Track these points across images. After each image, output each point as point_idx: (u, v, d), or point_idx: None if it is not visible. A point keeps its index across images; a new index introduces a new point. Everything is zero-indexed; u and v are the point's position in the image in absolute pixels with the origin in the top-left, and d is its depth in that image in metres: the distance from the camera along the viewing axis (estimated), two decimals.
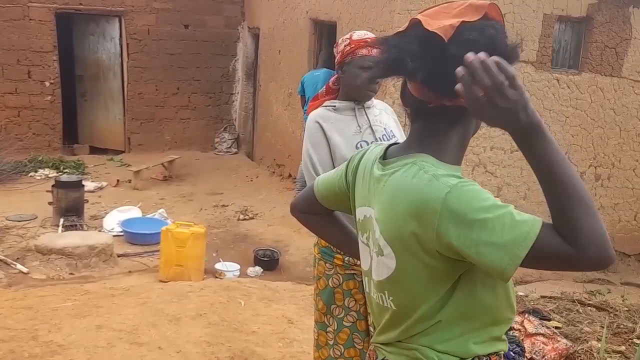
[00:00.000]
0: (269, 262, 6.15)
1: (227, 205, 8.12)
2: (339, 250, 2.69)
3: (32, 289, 4.82)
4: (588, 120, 7.17)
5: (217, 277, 5.77)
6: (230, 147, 10.87)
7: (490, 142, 6.82)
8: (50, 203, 6.98)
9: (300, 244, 6.74)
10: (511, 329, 3.30)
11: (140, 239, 6.54)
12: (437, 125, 1.38)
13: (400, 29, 1.38)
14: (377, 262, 1.40)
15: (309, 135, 2.72)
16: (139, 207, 7.44)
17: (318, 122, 2.71)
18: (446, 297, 1.33)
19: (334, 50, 2.83)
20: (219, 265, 5.88)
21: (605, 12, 6.98)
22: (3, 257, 5.73)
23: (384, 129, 2.77)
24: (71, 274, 5.58)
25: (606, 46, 7.07)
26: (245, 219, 7.61)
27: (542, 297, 4.49)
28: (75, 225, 6.77)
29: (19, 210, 7.40)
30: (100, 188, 8.51)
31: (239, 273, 5.86)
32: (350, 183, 1.58)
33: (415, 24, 1.34)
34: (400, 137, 2.80)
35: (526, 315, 3.76)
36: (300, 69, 8.37)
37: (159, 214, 7.26)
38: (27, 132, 9.89)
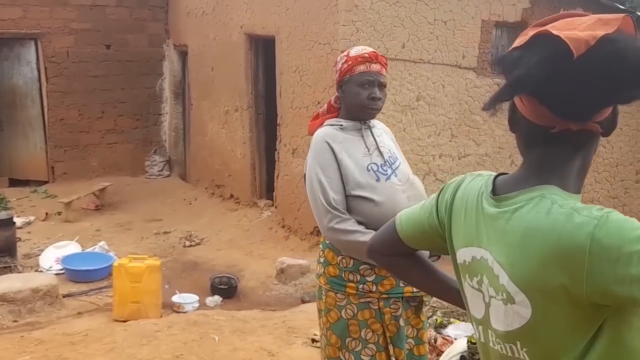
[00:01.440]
0: (227, 289, 5.87)
1: (170, 232, 7.75)
2: (350, 278, 2.53)
3: None
4: None
5: (175, 311, 5.44)
6: (162, 170, 10.44)
7: (439, 149, 6.83)
8: None
9: (255, 268, 6.49)
10: None
11: (83, 276, 6.10)
12: (559, 152, 1.22)
13: (519, 43, 1.21)
14: (504, 311, 1.22)
15: (317, 156, 2.53)
16: (76, 242, 6.95)
17: (327, 142, 2.53)
18: (589, 344, 1.17)
19: (334, 68, 2.66)
20: (175, 298, 5.54)
21: (538, 16, 7.11)
22: None
23: (389, 150, 2.64)
24: (15, 321, 5.08)
25: None
26: (191, 245, 7.27)
27: None
28: (9, 266, 6.22)
29: None
30: (29, 223, 7.92)
31: (198, 304, 5.54)
32: (443, 221, 1.39)
33: (540, 36, 1.17)
34: (401, 158, 2.69)
35: None
36: (237, 86, 8.14)
37: (100, 247, 6.81)
38: None
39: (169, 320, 4.56)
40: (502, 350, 1.26)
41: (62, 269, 6.26)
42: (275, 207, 7.62)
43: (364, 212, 2.48)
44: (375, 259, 1.64)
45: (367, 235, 2.41)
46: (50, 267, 6.36)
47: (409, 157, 6.52)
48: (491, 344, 1.29)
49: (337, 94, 2.65)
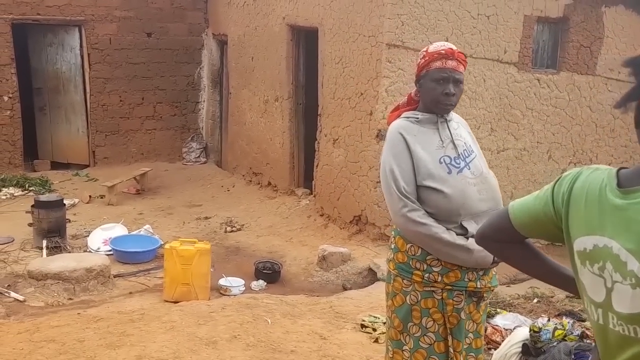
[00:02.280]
0: (271, 274, 6.03)
1: (210, 218, 7.93)
2: (417, 266, 2.65)
3: (38, 318, 4.55)
4: (567, 118, 7.36)
5: (222, 294, 5.62)
6: (198, 156, 10.64)
7: (478, 143, 6.89)
8: (30, 224, 6.64)
9: (296, 254, 6.64)
10: (586, 336, 3.32)
11: (131, 257, 6.30)
12: None
13: None
14: (632, 294, 1.34)
15: (391, 146, 2.65)
16: (122, 224, 7.16)
17: (401, 134, 2.65)
18: None
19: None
20: (222, 281, 5.72)
21: (580, 12, 7.18)
22: None
23: (464, 143, 2.73)
24: (70, 299, 5.32)
25: (581, 45, 7.27)
26: (232, 231, 7.44)
27: (568, 296, 4.55)
28: (60, 246, 6.46)
29: None
30: (73, 205, 8.15)
31: (244, 288, 5.71)
32: (560, 211, 1.51)
33: None
34: (477, 152, 2.77)
35: (563, 318, 3.79)
36: (278, 76, 8.28)
37: (145, 230, 7.02)
38: None
39: (221, 302, 4.73)
40: (623, 332, 1.37)
41: (110, 250, 6.47)
42: (314, 196, 7.76)
43: (434, 203, 2.59)
44: (485, 245, 1.76)
45: (435, 229, 2.55)
46: (99, 248, 6.58)
47: None
48: (611, 326, 1.40)
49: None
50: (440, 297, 2.63)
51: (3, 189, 8.75)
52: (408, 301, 2.68)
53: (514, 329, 3.74)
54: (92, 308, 5.01)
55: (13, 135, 9.53)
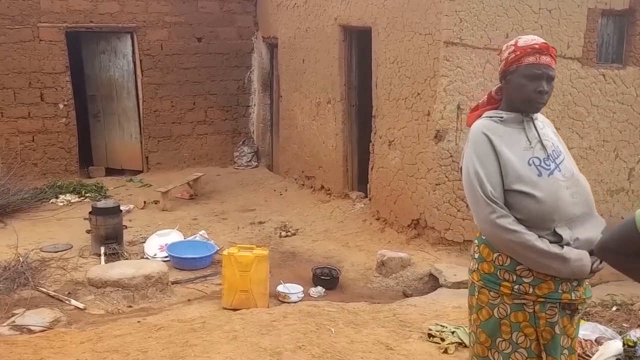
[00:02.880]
0: (329, 280, 5.90)
1: (264, 222, 7.85)
2: (506, 277, 2.47)
3: (100, 327, 4.53)
4: (635, 115, 7.02)
5: (281, 301, 5.51)
6: (250, 160, 10.61)
7: None
8: (88, 231, 6.68)
9: (354, 260, 6.50)
10: None
11: (188, 264, 6.26)
12: None
13: None
14: None
15: (475, 148, 2.47)
16: (177, 230, 7.14)
17: (485, 134, 2.47)
18: None
19: (498, 57, 2.60)
20: (281, 288, 5.61)
21: None
22: (54, 294, 5.42)
23: (552, 143, 2.54)
24: (129, 306, 5.29)
25: None
26: (287, 236, 7.34)
27: None
28: (117, 253, 6.47)
29: (50, 240, 7.08)
30: (129, 211, 8.18)
31: (302, 295, 5.60)
32: None
33: None
34: (565, 153, 2.58)
35: None
36: (330, 77, 8.16)
37: (200, 236, 6.98)
38: (43, 157, 9.55)
39: (282, 311, 4.62)
40: None
41: (166, 257, 6.44)
42: (369, 200, 7.60)
43: (524, 209, 2.41)
44: (606, 257, 1.60)
45: (528, 237, 2.37)
46: (155, 255, 6.56)
47: None
48: None
49: (499, 84, 2.59)
50: (532, 310, 2.44)
51: (60, 195, 8.86)
52: (496, 315, 2.51)
53: (595, 340, 3.52)
54: (152, 316, 4.97)
55: (69, 142, 9.66)
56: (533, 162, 2.46)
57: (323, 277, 5.94)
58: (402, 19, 6.62)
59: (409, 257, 6.11)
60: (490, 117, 2.55)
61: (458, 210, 6.40)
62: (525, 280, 2.43)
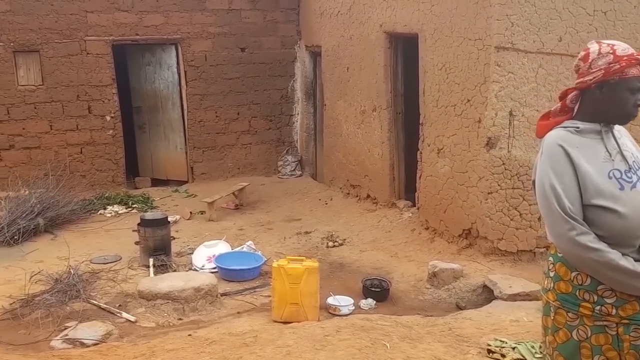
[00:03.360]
0: (380, 292, 5.78)
1: (310, 232, 7.77)
2: (586, 297, 2.32)
3: (152, 341, 4.51)
4: None
5: (331, 314, 5.42)
6: (294, 169, 10.56)
7: None
8: (137, 243, 6.70)
9: (404, 271, 6.36)
10: None
11: (237, 275, 6.22)
12: None
13: None
14: None
15: (552, 161, 2.34)
16: (225, 241, 7.12)
17: (562, 146, 2.34)
18: None
19: (578, 60, 2.44)
20: (331, 300, 5.52)
21: None
22: (106, 306, 5.44)
23: (632, 154, 2.40)
24: (179, 319, 5.27)
25: None
26: (334, 246, 7.25)
27: None
28: (166, 264, 6.47)
29: (99, 252, 7.14)
30: (175, 222, 8.19)
31: (353, 307, 5.50)
32: None
33: None
34: None
35: None
36: (375, 85, 8.05)
37: (247, 247, 6.94)
38: (91, 169, 9.68)
39: (335, 324, 4.52)
40: None
41: (214, 268, 6.42)
42: (417, 209, 7.46)
43: (606, 225, 2.27)
44: None
45: (611, 255, 2.24)
46: (203, 266, 6.54)
47: None
48: None
49: (574, 92, 2.45)
50: (615, 333, 2.29)
51: (108, 206, 8.96)
52: (575, 337, 2.37)
53: None
54: (202, 329, 4.94)
55: (116, 153, 9.77)
56: (614, 175, 2.32)
57: (373, 289, 5.82)
58: (450, 25, 6.48)
59: (461, 268, 5.95)
60: (565, 127, 2.42)
61: (511, 220, 6.22)
62: (608, 300, 2.30)
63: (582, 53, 2.44)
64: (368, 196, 8.53)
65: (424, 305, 5.71)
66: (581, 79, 2.40)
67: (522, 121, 6.08)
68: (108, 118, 9.63)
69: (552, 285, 2.43)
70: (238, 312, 5.44)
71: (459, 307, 5.59)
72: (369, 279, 5.96)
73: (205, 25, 9.85)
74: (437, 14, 6.68)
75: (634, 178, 2.34)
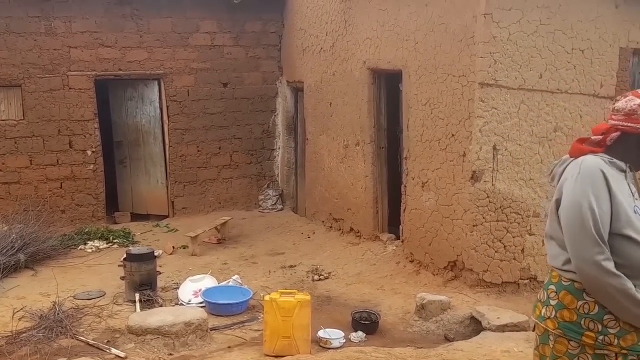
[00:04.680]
0: (369, 325, 5.80)
1: (295, 266, 7.79)
2: (590, 327, 2.41)
3: None
4: None
5: (322, 347, 5.42)
6: (275, 203, 10.59)
7: None
8: (122, 278, 6.64)
9: (391, 303, 6.41)
10: None
11: (225, 309, 6.19)
12: None
13: None
14: None
15: (593, 184, 2.41)
16: (210, 275, 7.08)
17: (603, 172, 2.43)
18: None
19: (635, 106, 2.52)
20: (321, 333, 5.52)
21: None
22: (94, 342, 5.36)
23: None
24: (170, 354, 5.21)
25: None
26: (320, 279, 7.27)
27: None
28: (152, 299, 6.41)
29: (82, 287, 7.05)
30: (158, 257, 8.12)
31: (344, 340, 5.50)
32: None
33: None
34: None
35: None
36: (359, 120, 8.18)
37: (234, 281, 6.91)
38: (71, 204, 9.59)
39: (329, 357, 4.55)
40: None
41: (201, 302, 6.37)
42: (402, 241, 7.54)
43: (627, 255, 2.38)
44: None
45: (629, 284, 2.34)
46: (190, 301, 6.49)
47: (546, 190, 6.35)
48: None
49: (616, 133, 2.54)
50: None
51: (88, 242, 8.85)
52: None
53: None
54: None
55: (96, 188, 9.70)
56: (637, 210, 2.46)
57: (363, 322, 5.84)
58: (434, 62, 6.66)
59: (448, 299, 6.01)
60: (601, 157, 2.52)
61: (496, 252, 6.33)
62: (611, 331, 2.39)
63: (638, 101, 2.52)
64: (351, 229, 8.59)
65: (413, 337, 5.74)
66: (633, 124, 2.50)
67: (506, 155, 6.24)
68: (89, 152, 9.58)
69: (553, 313, 2.50)
70: (229, 347, 5.41)
71: (447, 339, 5.63)
72: (357, 312, 5.98)
73: (188, 61, 9.93)
74: (421, 51, 6.86)
75: None
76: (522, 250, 6.42)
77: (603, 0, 6.39)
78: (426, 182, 6.93)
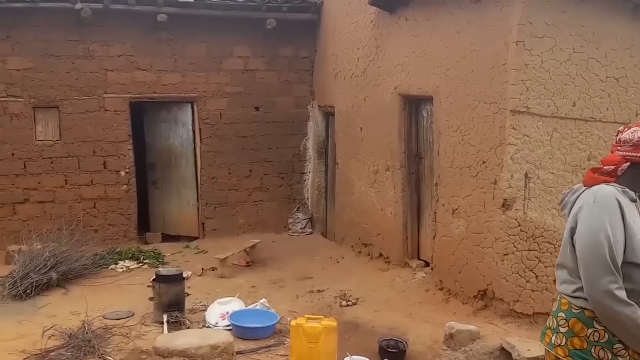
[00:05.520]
0: (397, 354, 5.72)
1: (323, 291, 7.74)
2: (600, 355, 2.46)
3: None
4: None
5: None
6: (304, 227, 10.60)
7: None
8: (151, 298, 6.68)
9: (420, 332, 6.31)
10: None
11: (252, 333, 6.17)
12: None
13: None
14: None
15: (609, 213, 2.46)
16: (238, 298, 7.08)
17: (619, 202, 2.48)
18: None
19: (626, 135, 2.65)
20: None
21: None
22: None
23: None
24: None
25: None
26: (348, 305, 7.21)
27: None
28: (179, 321, 6.43)
29: (111, 307, 7.09)
30: (187, 278, 8.16)
31: None
32: None
33: None
34: None
35: None
36: (389, 146, 8.17)
37: (261, 304, 6.90)
38: (103, 223, 9.73)
39: None
40: None
41: (228, 325, 6.37)
42: (431, 269, 7.46)
43: (636, 282, 2.43)
44: None
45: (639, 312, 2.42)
46: (217, 323, 6.49)
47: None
48: None
49: (626, 163, 2.63)
50: None
51: (119, 261, 8.95)
52: None
53: None
54: None
55: (128, 209, 9.83)
56: None
57: (390, 350, 5.76)
58: (465, 88, 6.64)
59: (477, 329, 5.90)
60: (614, 186, 2.58)
61: (527, 282, 6.22)
62: (620, 359, 2.45)
63: None
64: (380, 255, 8.53)
65: None
66: None
67: (538, 183, 6.16)
68: (122, 173, 9.74)
69: (564, 341, 2.55)
70: None
71: None
72: (385, 340, 5.91)
73: (221, 85, 10.07)
74: (452, 78, 6.84)
75: None
76: (555, 281, 6.28)
77: (638, 28, 6.31)
78: (456, 209, 6.86)
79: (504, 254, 6.18)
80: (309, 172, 10.79)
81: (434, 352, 5.90)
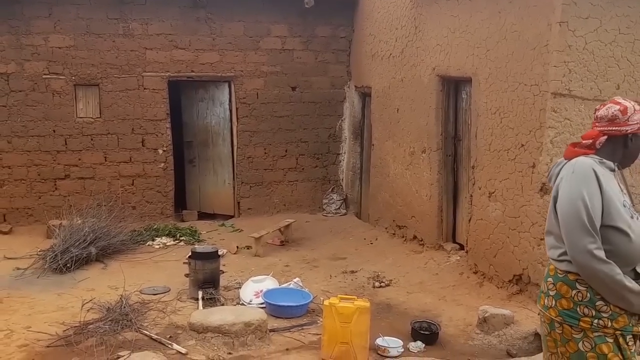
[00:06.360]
0: (429, 335, 5.71)
1: (356, 272, 7.76)
2: (585, 312, 2.73)
3: None
4: None
5: (380, 355, 5.38)
6: (338, 208, 10.61)
7: None
8: (186, 275, 6.78)
9: (452, 314, 6.29)
10: None
11: (285, 311, 6.22)
12: None
13: None
14: None
15: (585, 181, 2.70)
16: (272, 277, 7.15)
17: (595, 172, 2.71)
18: None
19: (616, 112, 2.83)
20: (380, 341, 5.48)
21: None
22: (157, 337, 5.50)
23: (630, 192, 2.93)
24: (229, 353, 5.28)
25: None
26: (381, 287, 7.21)
27: None
28: (214, 298, 6.52)
29: (148, 282, 7.23)
30: (222, 256, 8.26)
31: (402, 349, 5.44)
32: None
33: None
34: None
35: None
36: (425, 127, 8.10)
37: (295, 283, 6.95)
38: (141, 200, 9.88)
39: None
40: None
41: (262, 303, 6.44)
42: (466, 252, 7.40)
43: (616, 245, 2.68)
44: None
45: (618, 270, 2.67)
46: (251, 301, 6.56)
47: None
48: None
49: (604, 137, 2.83)
50: (612, 341, 2.68)
51: (156, 238, 9.10)
52: (582, 348, 2.74)
53: None
54: None
55: (165, 186, 9.97)
56: (626, 204, 2.77)
57: (422, 332, 5.75)
58: (505, 70, 6.52)
59: (511, 314, 5.85)
60: (592, 158, 2.80)
61: None
62: (604, 315, 2.71)
63: (617, 107, 2.83)
64: (414, 237, 8.50)
65: (474, 350, 5.61)
66: (617, 128, 2.81)
67: None
68: (160, 151, 9.86)
69: (553, 302, 2.81)
70: (287, 349, 5.44)
71: (510, 354, 5.48)
72: (417, 322, 5.90)
73: (258, 64, 10.08)
74: (492, 59, 6.73)
75: (636, 214, 2.81)
76: None
77: None
78: (493, 193, 6.78)
79: (541, 239, 6.08)
80: (344, 153, 10.77)
81: (466, 335, 5.87)
